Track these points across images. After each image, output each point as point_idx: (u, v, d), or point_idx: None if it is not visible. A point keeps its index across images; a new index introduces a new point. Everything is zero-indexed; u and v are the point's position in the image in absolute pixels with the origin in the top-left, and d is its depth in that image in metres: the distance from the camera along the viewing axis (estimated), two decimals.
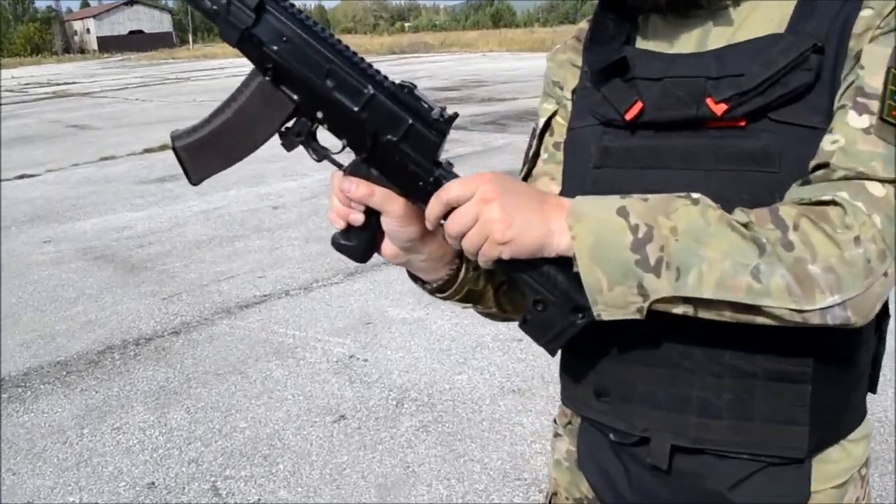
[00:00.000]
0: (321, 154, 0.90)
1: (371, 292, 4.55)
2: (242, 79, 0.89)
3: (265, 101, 0.88)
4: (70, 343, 4.13)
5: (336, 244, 0.93)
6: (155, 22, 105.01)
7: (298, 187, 7.64)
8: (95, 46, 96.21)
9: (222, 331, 4.14)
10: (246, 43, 0.83)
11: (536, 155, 1.08)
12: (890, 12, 0.80)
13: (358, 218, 0.89)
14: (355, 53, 0.88)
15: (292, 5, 0.85)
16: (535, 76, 19.53)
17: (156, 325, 4.29)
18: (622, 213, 0.77)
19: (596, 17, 0.98)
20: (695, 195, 0.78)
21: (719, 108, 0.82)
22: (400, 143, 0.86)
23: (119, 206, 7.33)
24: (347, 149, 0.90)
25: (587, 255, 0.77)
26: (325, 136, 0.91)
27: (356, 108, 0.85)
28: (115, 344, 4.07)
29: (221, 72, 31.06)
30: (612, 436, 0.95)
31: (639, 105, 0.87)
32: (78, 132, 13.48)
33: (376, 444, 2.96)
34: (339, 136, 0.88)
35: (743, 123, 0.83)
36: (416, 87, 0.88)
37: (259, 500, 2.67)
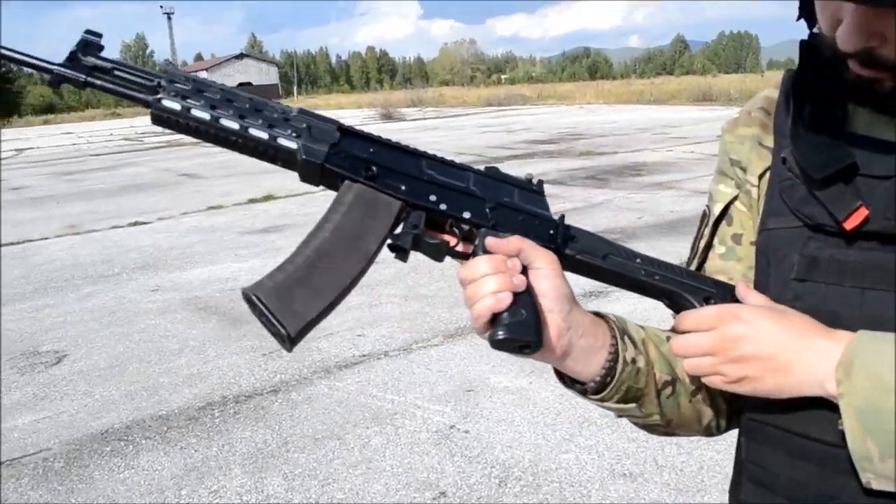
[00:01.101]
0: (441, 249, 0.84)
1: (472, 356, 4.42)
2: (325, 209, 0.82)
3: (368, 208, 0.81)
4: (172, 397, 4.15)
5: (504, 332, 0.78)
6: (262, 74, 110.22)
7: None
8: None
9: (321, 392, 4.08)
10: (335, 157, 0.80)
11: (710, 246, 0.94)
12: None
13: (521, 279, 0.79)
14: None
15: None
16: (634, 129, 19.27)
17: (255, 382, 4.27)
18: None
19: (796, 87, 0.82)
20: None
21: None
22: (518, 202, 0.86)
23: (224, 256, 7.50)
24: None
25: (855, 419, 0.65)
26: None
27: (465, 184, 0.85)
28: (216, 400, 4.06)
29: None
30: None
31: (863, 212, 0.72)
32: (188, 181, 14.05)
33: None
34: (459, 212, 0.83)
35: None
36: (496, 167, 0.89)
37: None
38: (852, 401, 0.65)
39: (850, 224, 0.72)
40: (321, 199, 10.88)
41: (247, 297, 0.77)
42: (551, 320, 0.80)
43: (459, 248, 0.84)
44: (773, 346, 0.73)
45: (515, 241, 0.80)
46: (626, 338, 0.87)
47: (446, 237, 0.84)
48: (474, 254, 0.83)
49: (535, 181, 0.89)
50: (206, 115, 0.77)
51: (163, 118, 0.78)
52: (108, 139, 30.71)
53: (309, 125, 0.80)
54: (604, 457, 3.23)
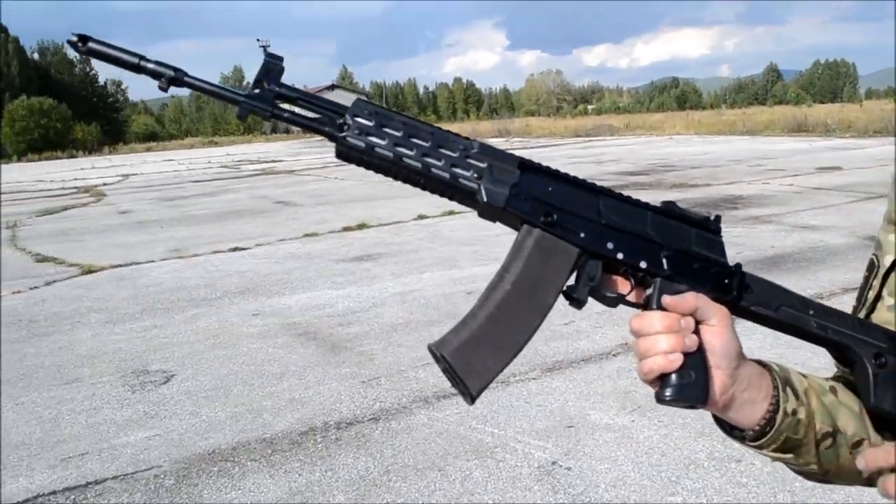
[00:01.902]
0: (617, 301, 0.83)
1: (571, 391, 4.36)
2: (503, 260, 0.83)
3: (545, 256, 0.81)
4: (275, 420, 4.26)
5: (672, 393, 0.80)
6: None
7: (491, 273, 7.59)
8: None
9: (420, 422, 4.10)
10: (515, 199, 0.80)
11: (879, 298, 0.92)
12: None
13: (693, 339, 0.79)
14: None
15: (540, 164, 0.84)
16: (727, 161, 18.81)
17: (355, 409, 4.33)
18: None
19: None
20: None
21: None
22: (695, 248, 0.85)
23: (321, 283, 7.67)
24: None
25: None
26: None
27: (643, 226, 0.84)
28: (318, 426, 4.14)
29: None
30: None
31: None
32: (283, 208, 14.47)
33: None
34: (636, 261, 0.83)
35: None
36: (673, 202, 0.88)
37: None
38: None
39: None
40: (412, 227, 11.04)
41: (434, 354, 0.78)
42: (717, 376, 0.81)
43: (632, 297, 0.84)
44: None
45: (691, 300, 0.80)
46: (787, 388, 0.86)
47: (619, 284, 0.85)
48: (647, 303, 0.83)
49: (712, 217, 0.88)
50: (389, 154, 0.79)
51: (347, 154, 0.80)
52: (207, 166, 32.01)
53: (490, 164, 0.81)
54: (712, 500, 3.13)
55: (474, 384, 0.78)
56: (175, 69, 0.78)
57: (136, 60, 0.77)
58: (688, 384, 0.79)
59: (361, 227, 11.26)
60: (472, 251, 8.74)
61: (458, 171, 0.81)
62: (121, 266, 9.31)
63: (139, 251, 10.35)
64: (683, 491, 3.22)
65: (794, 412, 0.84)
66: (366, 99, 0.84)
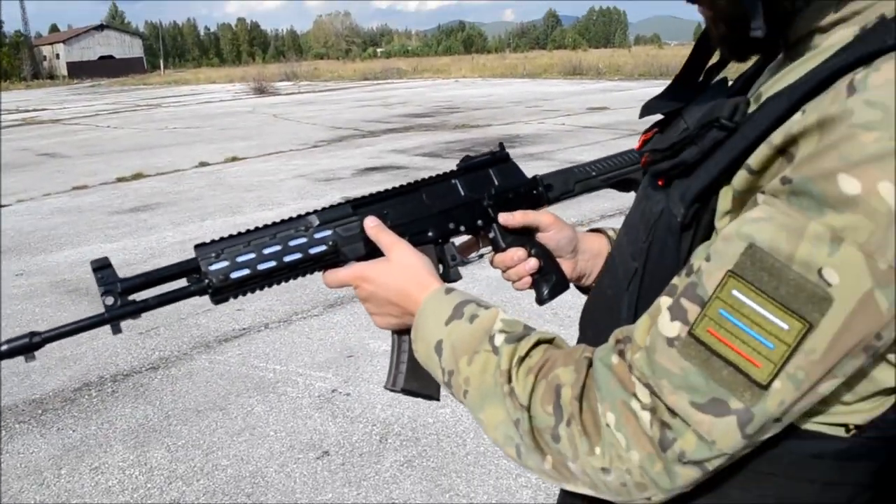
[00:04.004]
0: (478, 258, 1.11)
1: (352, 325, 4.54)
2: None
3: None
4: (45, 380, 4.06)
5: (548, 293, 1.08)
6: (125, 47, 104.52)
7: (275, 217, 7.60)
8: (65, 72, 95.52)
9: (201, 366, 4.10)
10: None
11: None
12: (784, 181, 0.62)
13: (533, 261, 1.07)
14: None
15: None
16: (507, 102, 19.74)
17: (133, 361, 4.23)
18: (437, 349, 0.85)
19: None
20: (498, 341, 0.80)
21: (643, 160, 0.86)
22: (500, 184, 1.07)
23: (93, 237, 7.24)
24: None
25: (422, 360, 0.90)
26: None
27: (461, 193, 1.04)
28: (92, 381, 4.01)
29: (193, 98, 30.96)
30: None
31: (642, 137, 0.95)
32: (48, 160, 13.32)
33: (361, 480, 2.95)
34: (473, 224, 1.06)
35: (660, 182, 0.79)
36: (467, 155, 1.09)
37: None
38: (420, 354, 0.89)
39: (637, 145, 0.94)
40: (193, 175, 10.64)
41: (394, 391, 1.00)
42: (564, 265, 1.10)
43: (485, 248, 1.10)
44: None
45: (520, 217, 1.07)
46: None
47: (471, 245, 1.11)
48: (496, 243, 1.07)
49: (497, 149, 1.10)
50: (257, 276, 0.89)
51: (225, 298, 0.90)
52: None
53: (335, 230, 0.94)
54: None
55: (435, 391, 1.00)
56: (30, 335, 0.83)
57: None
58: (552, 283, 1.06)
59: (137, 176, 10.67)
60: (255, 196, 8.62)
61: (316, 250, 0.92)
62: None
63: None
64: (454, 402, 3.51)
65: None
66: (201, 243, 0.90)
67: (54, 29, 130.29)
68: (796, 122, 0.62)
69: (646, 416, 0.66)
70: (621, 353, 0.70)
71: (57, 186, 10.32)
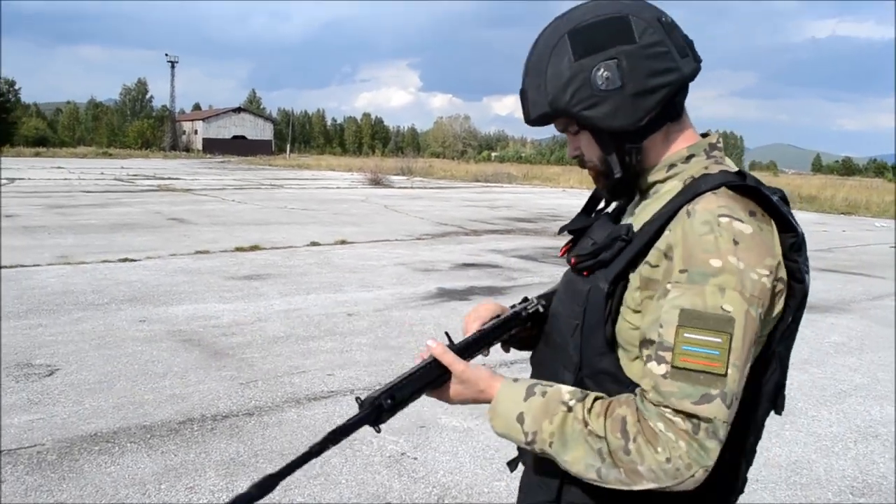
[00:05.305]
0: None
1: (428, 400, 4.88)
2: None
3: None
4: (156, 411, 4.62)
5: None
6: (258, 129, 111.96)
7: (373, 298, 8.18)
8: (200, 146, 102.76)
9: (290, 417, 4.57)
10: None
11: None
12: (681, 272, 1.11)
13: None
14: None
15: None
16: None
17: (232, 406, 4.75)
18: (519, 419, 1.20)
19: None
20: (570, 403, 1.17)
21: (573, 261, 1.30)
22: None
23: (209, 296, 8.00)
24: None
25: (501, 431, 1.26)
26: None
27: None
28: (196, 417, 4.53)
29: (313, 182, 32.86)
30: None
31: (566, 247, 1.43)
32: (177, 224, 14.58)
33: None
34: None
35: (586, 273, 1.26)
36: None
37: None
38: (498, 427, 1.24)
39: (561, 252, 1.41)
40: (304, 252, 11.44)
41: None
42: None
43: None
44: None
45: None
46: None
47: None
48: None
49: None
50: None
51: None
52: (99, 177, 31.28)
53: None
54: None
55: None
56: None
57: None
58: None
59: (254, 248, 11.59)
60: (357, 278, 9.26)
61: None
62: (5, 268, 9.30)
63: (25, 255, 10.32)
64: (510, 478, 3.82)
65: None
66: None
67: (197, 107, 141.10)
68: (667, 237, 1.16)
69: (678, 419, 1.08)
70: (643, 395, 1.13)
71: (182, 249, 11.34)
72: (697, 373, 1.07)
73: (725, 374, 1.07)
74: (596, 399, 1.17)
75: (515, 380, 1.26)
